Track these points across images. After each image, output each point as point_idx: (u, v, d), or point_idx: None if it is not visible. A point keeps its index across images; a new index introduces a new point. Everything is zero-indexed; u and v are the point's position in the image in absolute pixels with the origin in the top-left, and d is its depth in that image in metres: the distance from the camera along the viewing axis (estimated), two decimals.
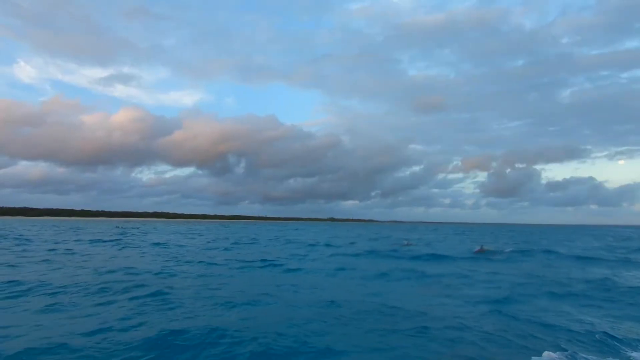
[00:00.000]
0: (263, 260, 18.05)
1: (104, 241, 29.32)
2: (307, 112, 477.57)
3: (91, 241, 29.14)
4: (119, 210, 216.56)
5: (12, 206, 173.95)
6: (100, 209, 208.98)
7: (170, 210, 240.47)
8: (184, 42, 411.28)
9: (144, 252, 21.92)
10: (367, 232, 60.66)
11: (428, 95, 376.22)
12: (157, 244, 28.13)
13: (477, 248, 25.64)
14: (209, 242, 32.00)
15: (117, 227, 68.18)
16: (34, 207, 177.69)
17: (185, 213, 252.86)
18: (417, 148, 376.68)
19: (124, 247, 24.69)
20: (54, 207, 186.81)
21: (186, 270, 14.82)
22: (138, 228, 64.38)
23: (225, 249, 25.46)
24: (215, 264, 16.98)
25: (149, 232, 50.51)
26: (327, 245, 29.09)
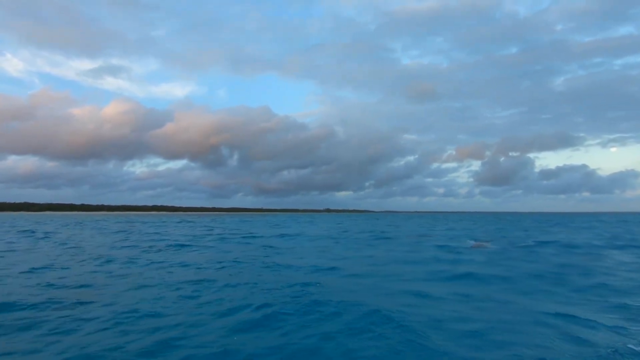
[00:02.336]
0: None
1: (202, 236, 28.01)
2: (300, 102, 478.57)
3: (196, 237, 27.63)
4: (118, 204, 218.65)
5: (7, 202, 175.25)
6: (96, 203, 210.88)
7: (165, 204, 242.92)
8: (173, 33, 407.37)
9: (271, 245, 20.81)
10: (384, 223, 57.28)
11: (421, 83, 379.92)
12: (253, 236, 27.24)
13: None
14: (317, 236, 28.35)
15: (163, 221, 67.54)
16: (27, 202, 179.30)
17: (184, 206, 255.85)
18: (411, 137, 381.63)
19: (242, 242, 23.19)
20: (54, 202, 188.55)
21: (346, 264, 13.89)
22: (186, 221, 67.16)
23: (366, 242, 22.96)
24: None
25: (200, 224, 54.07)
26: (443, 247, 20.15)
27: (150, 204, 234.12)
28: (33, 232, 30.99)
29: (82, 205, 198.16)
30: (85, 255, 15.97)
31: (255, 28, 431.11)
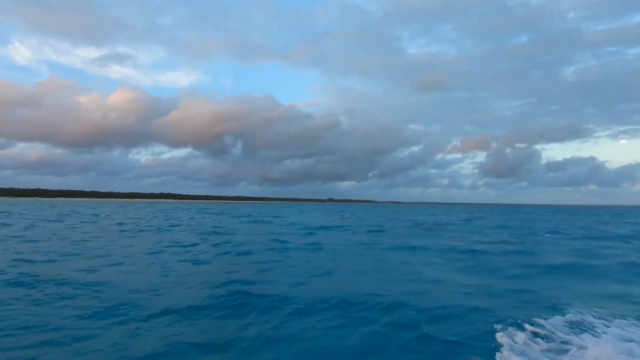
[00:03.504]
0: None
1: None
2: (306, 92, 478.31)
3: (256, 221, 31.64)
4: (126, 191, 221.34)
5: (20, 187, 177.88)
6: (105, 191, 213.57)
7: (170, 191, 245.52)
8: (179, 21, 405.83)
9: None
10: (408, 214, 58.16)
11: (428, 73, 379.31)
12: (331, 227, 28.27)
13: None
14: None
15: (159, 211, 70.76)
16: (40, 188, 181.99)
17: (191, 194, 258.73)
18: (416, 128, 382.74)
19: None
20: (65, 189, 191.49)
21: None
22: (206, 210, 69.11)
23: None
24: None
25: (234, 213, 56.25)
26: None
27: (156, 191, 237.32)
28: (121, 223, 33.97)
29: (92, 192, 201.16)
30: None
31: (261, 16, 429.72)
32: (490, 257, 13.87)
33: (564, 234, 24.30)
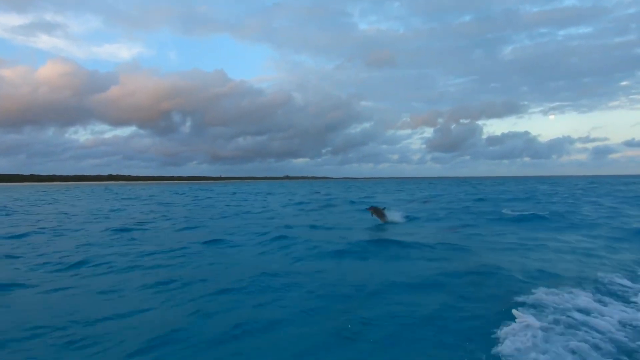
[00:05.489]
0: None
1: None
2: (257, 67, 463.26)
3: (299, 203, 29.07)
4: (68, 174, 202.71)
5: None
6: (46, 174, 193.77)
7: (113, 173, 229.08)
8: None
9: None
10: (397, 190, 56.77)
11: (378, 50, 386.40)
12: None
13: None
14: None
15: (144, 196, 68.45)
16: None
17: (141, 175, 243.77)
18: (367, 105, 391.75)
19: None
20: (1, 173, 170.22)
21: None
22: (206, 188, 67.44)
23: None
24: None
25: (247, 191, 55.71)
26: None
27: (95, 173, 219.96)
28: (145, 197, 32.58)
29: (32, 175, 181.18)
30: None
31: None
32: None
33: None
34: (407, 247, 9.76)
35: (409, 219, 16.62)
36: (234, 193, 49.95)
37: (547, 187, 54.83)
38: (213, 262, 8.60)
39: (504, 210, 19.36)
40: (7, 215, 20.95)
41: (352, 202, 28.48)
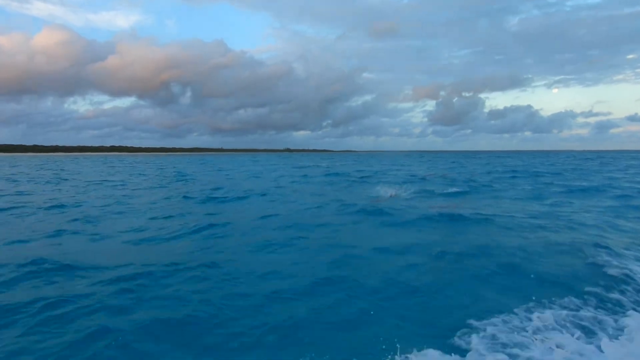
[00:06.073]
0: None
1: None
2: (257, 37, 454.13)
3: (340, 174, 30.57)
4: (71, 145, 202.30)
5: None
6: (49, 144, 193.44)
7: (115, 144, 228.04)
8: None
9: None
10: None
11: (381, 19, 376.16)
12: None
13: None
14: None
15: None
16: None
17: (143, 147, 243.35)
18: (369, 77, 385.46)
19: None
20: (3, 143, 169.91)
21: None
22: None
23: None
24: None
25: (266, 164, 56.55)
26: None
27: (96, 144, 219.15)
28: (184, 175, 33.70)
29: (35, 146, 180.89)
30: None
31: None
32: None
33: None
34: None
35: None
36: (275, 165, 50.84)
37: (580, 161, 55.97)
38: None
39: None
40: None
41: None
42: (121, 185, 22.24)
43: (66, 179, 26.74)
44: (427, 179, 26.01)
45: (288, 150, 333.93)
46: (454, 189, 18.34)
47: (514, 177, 26.43)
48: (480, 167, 42.13)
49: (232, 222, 10.45)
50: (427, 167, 44.31)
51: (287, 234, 8.96)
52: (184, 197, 16.11)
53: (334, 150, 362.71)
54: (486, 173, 31.08)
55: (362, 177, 27.41)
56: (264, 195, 16.78)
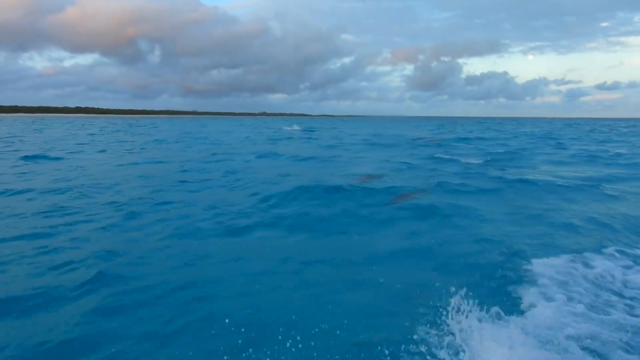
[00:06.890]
0: None
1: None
2: None
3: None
4: (35, 105, 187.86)
5: None
6: (8, 104, 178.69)
7: (79, 105, 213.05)
8: None
9: None
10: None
11: None
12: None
13: None
14: None
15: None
16: None
17: (111, 108, 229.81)
18: (348, 38, 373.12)
19: None
20: None
21: None
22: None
23: None
24: None
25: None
26: None
27: (61, 105, 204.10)
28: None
29: None
30: None
31: None
32: None
33: None
34: None
35: None
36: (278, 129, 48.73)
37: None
38: None
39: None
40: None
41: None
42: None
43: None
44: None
45: (265, 113, 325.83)
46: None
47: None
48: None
49: None
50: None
51: None
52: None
53: (311, 114, 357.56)
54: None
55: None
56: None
